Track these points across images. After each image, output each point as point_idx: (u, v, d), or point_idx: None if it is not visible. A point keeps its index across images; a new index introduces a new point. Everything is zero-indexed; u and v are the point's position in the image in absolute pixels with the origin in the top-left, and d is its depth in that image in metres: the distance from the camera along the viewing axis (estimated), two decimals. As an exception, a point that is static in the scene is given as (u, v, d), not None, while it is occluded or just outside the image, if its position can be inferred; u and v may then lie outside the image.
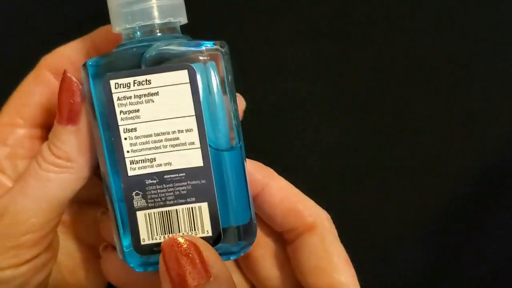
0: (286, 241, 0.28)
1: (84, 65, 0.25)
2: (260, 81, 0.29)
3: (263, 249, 0.29)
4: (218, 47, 0.25)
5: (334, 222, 0.27)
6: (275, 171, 0.28)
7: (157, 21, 0.25)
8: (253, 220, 0.27)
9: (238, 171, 0.26)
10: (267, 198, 0.27)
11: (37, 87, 0.29)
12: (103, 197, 0.27)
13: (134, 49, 0.25)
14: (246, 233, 0.26)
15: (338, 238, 0.27)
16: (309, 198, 0.28)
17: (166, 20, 0.25)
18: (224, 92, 0.25)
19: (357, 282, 0.26)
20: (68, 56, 0.29)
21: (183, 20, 0.26)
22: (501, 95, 0.37)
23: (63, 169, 0.26)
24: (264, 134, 0.28)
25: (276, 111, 0.32)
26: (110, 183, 0.26)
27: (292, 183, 0.28)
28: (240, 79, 0.27)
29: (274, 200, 0.27)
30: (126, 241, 0.26)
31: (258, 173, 0.27)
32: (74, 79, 0.26)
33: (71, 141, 0.26)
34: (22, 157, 0.29)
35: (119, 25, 0.26)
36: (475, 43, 0.37)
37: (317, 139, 0.36)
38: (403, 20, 0.37)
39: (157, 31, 0.26)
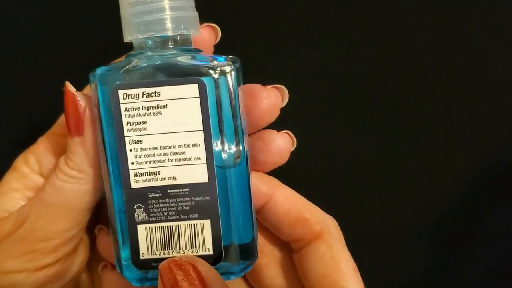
0: (293, 250, 0.28)
1: (94, 73, 0.25)
2: (260, 82, 0.28)
3: (268, 257, 0.28)
4: (229, 62, 0.24)
5: None
6: (276, 173, 0.28)
7: (170, 33, 0.25)
8: (256, 239, 0.26)
9: (243, 188, 0.25)
10: (273, 209, 0.27)
11: (16, 186, 0.29)
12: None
13: (145, 59, 0.25)
14: (247, 253, 0.26)
15: (345, 245, 0.27)
16: (315, 206, 0.28)
17: (179, 32, 0.25)
18: (233, 108, 0.25)
19: None
20: (42, 151, 0.30)
21: (196, 32, 0.25)
22: (501, 95, 0.37)
23: (76, 179, 0.27)
24: None
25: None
26: (112, 194, 0.25)
27: (293, 186, 0.28)
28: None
29: (281, 210, 0.27)
30: (125, 254, 0.26)
31: (263, 184, 0.27)
32: (74, 91, 0.26)
33: (80, 152, 0.26)
34: None
35: (130, 34, 0.25)
36: (475, 43, 0.37)
37: (317, 140, 0.36)
38: (403, 22, 0.37)
39: (169, 43, 0.25)
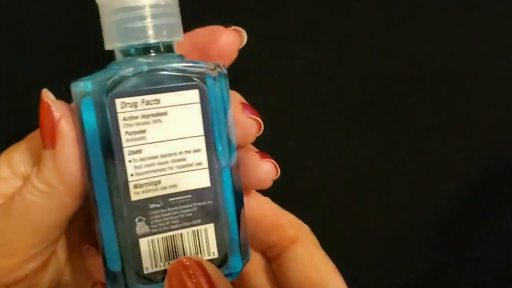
0: (270, 259, 0.29)
1: (76, 83, 0.24)
2: (260, 82, 0.29)
3: (254, 266, 0.29)
4: (216, 67, 0.25)
5: (334, 223, 0.29)
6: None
7: (152, 40, 0.24)
8: (248, 238, 0.27)
9: (237, 185, 0.26)
10: (249, 216, 0.27)
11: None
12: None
13: (131, 68, 0.24)
14: (246, 252, 0.26)
15: (320, 247, 0.28)
16: (288, 212, 0.29)
17: (161, 40, 0.25)
18: (224, 110, 0.25)
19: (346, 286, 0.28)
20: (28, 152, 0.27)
21: (179, 39, 0.25)
22: (500, 96, 0.37)
23: (44, 194, 0.24)
24: (264, 134, 0.27)
25: (276, 112, 0.32)
26: (101, 211, 0.24)
27: (292, 185, 0.29)
28: (240, 81, 0.27)
29: (256, 217, 0.28)
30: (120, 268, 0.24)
31: None
32: (49, 100, 0.25)
33: (50, 166, 0.24)
34: None
35: (112, 43, 0.25)
36: (475, 44, 0.36)
37: (316, 140, 0.35)
38: (403, 22, 0.37)
39: (151, 50, 0.25)
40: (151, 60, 0.25)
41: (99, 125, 0.23)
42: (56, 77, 0.36)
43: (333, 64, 0.37)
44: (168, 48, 0.25)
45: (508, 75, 0.36)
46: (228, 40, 0.27)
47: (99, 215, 0.24)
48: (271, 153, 0.27)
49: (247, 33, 0.27)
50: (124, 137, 0.23)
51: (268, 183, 0.27)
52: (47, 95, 0.25)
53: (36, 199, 0.25)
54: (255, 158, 0.27)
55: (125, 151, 0.24)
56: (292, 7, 0.36)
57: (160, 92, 0.24)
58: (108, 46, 0.25)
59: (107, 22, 0.25)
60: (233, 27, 0.27)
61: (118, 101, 0.23)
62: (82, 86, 0.23)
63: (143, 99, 0.24)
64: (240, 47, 0.27)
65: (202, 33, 0.27)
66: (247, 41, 0.27)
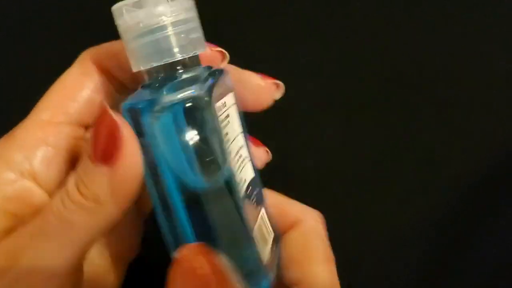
0: None
1: (133, 107, 0.23)
2: None
3: None
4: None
5: (334, 223, 0.28)
6: (275, 171, 0.30)
7: (179, 56, 0.25)
8: None
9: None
10: None
11: (86, 81, 0.26)
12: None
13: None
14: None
15: (325, 238, 0.28)
16: (298, 202, 0.29)
17: (186, 55, 0.26)
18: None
19: (337, 280, 0.27)
20: (114, 53, 0.25)
21: (202, 49, 0.26)
22: (501, 95, 0.37)
23: (89, 212, 0.22)
24: (264, 134, 0.28)
25: (276, 111, 0.30)
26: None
27: (292, 183, 0.31)
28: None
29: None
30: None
31: None
32: (115, 118, 0.22)
33: (103, 183, 0.22)
34: (64, 162, 0.25)
35: (137, 66, 0.25)
36: (475, 43, 0.37)
37: (317, 140, 0.34)
38: (404, 21, 0.36)
39: (178, 67, 0.26)
40: (177, 77, 0.25)
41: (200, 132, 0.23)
42: (56, 77, 0.33)
43: (333, 63, 0.37)
44: (194, 60, 0.26)
45: (508, 75, 0.37)
46: (264, 87, 0.28)
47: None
48: (271, 153, 0.29)
49: (247, 33, 0.29)
50: (225, 138, 0.24)
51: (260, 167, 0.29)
52: (110, 109, 0.22)
53: (78, 217, 0.22)
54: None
55: (231, 153, 0.24)
56: (292, 6, 0.36)
57: (224, 96, 0.26)
58: (134, 69, 0.25)
59: (130, 46, 0.24)
60: (273, 80, 0.28)
61: (217, 105, 0.24)
62: (142, 108, 0.23)
63: (223, 102, 0.25)
64: (276, 98, 0.29)
65: (239, 73, 0.28)
66: (247, 40, 0.29)
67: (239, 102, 0.27)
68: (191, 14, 0.26)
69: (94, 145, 0.22)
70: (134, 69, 0.25)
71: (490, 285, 0.39)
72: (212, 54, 0.28)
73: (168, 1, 0.25)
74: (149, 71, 0.25)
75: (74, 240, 0.22)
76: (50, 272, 0.22)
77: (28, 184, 0.25)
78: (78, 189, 0.22)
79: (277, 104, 0.30)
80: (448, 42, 0.37)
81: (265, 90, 0.28)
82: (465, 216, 0.39)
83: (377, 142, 0.38)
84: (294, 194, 0.30)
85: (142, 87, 0.25)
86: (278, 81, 0.28)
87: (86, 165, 0.22)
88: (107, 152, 0.22)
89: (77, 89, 0.26)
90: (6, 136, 0.25)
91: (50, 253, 0.22)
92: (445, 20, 0.36)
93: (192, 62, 0.26)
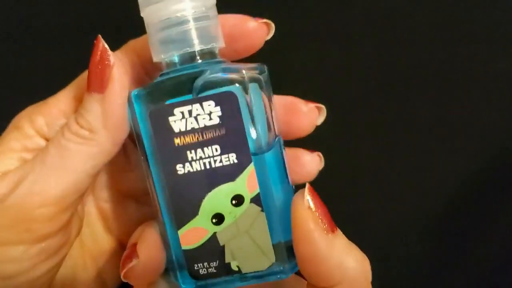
0: None
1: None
2: None
3: None
4: (252, 72, 0.27)
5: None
6: None
7: (197, 47, 0.26)
8: None
9: (280, 173, 0.27)
10: None
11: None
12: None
13: (183, 78, 0.25)
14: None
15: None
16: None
17: (205, 47, 0.26)
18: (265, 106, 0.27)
19: None
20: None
21: (221, 44, 0.27)
22: (501, 95, 0.37)
23: (84, 140, 0.25)
24: None
25: None
26: None
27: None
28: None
29: None
30: None
31: None
32: (105, 45, 0.25)
33: (96, 110, 0.25)
34: None
35: (158, 56, 0.26)
36: (475, 43, 0.36)
37: (316, 139, 0.33)
38: (403, 21, 0.36)
39: (198, 57, 0.26)
40: (197, 69, 0.26)
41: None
42: (56, 77, 0.34)
43: (333, 63, 0.37)
44: (212, 54, 0.27)
45: (508, 75, 0.37)
46: (256, 28, 0.28)
47: None
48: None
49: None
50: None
51: (313, 176, 0.31)
52: (103, 41, 0.25)
53: (74, 145, 0.25)
54: (304, 152, 0.31)
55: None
56: (292, 6, 0.36)
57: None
58: (155, 59, 0.26)
59: (152, 37, 0.26)
60: (264, 19, 0.29)
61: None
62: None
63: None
64: (267, 38, 0.29)
65: (231, 19, 0.28)
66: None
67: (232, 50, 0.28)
68: (211, 9, 0.27)
69: (89, 76, 0.25)
70: (155, 60, 0.26)
71: (491, 285, 0.40)
72: (259, 26, 0.28)
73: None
74: (169, 61, 0.26)
75: (68, 167, 0.25)
76: (44, 198, 0.24)
77: (43, 143, 0.27)
78: (76, 120, 0.25)
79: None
80: (448, 41, 0.37)
81: (257, 31, 0.28)
82: (465, 216, 0.39)
83: (376, 142, 0.38)
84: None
85: (161, 75, 0.26)
86: (268, 21, 0.29)
87: (84, 97, 0.25)
88: (99, 80, 0.25)
89: (4, 157, 0.27)
90: (42, 101, 0.28)
91: (46, 179, 0.24)
92: (446, 19, 0.36)
93: (210, 55, 0.27)
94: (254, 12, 0.34)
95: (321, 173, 0.35)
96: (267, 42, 0.29)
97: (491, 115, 0.37)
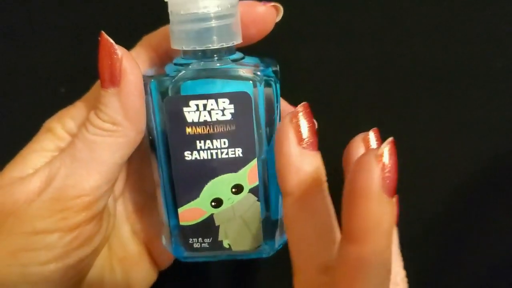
0: None
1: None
2: None
3: None
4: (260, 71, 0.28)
5: None
6: None
7: (217, 45, 0.27)
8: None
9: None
10: None
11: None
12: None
13: (201, 72, 0.27)
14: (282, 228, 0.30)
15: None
16: None
17: (226, 45, 0.27)
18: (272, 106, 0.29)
19: None
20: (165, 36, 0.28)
21: (240, 40, 0.28)
22: (500, 95, 0.37)
23: (109, 132, 0.26)
24: None
25: None
26: None
27: None
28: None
29: None
30: None
31: None
32: (110, 40, 0.26)
33: (115, 104, 0.26)
34: None
35: (178, 45, 0.27)
36: (475, 43, 0.36)
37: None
38: (403, 21, 0.36)
39: (216, 54, 0.28)
40: (212, 62, 0.28)
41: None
42: (56, 76, 0.37)
43: (333, 62, 0.37)
44: (230, 49, 0.28)
45: (508, 75, 0.37)
46: (266, 12, 0.29)
47: None
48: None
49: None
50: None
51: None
52: (106, 36, 0.26)
53: (100, 138, 0.26)
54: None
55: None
56: (292, 5, 0.35)
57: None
58: (173, 46, 0.27)
59: (175, 26, 0.27)
60: (272, 2, 0.29)
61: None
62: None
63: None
64: (276, 20, 0.29)
65: (240, 7, 0.28)
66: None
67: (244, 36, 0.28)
68: (235, 6, 0.28)
69: (101, 73, 0.26)
70: (174, 47, 0.27)
71: (490, 285, 0.40)
72: (267, 10, 0.29)
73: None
74: (187, 51, 0.27)
75: (98, 159, 0.26)
76: (78, 190, 0.26)
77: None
78: (97, 115, 0.26)
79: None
80: (449, 41, 0.37)
81: (267, 15, 0.29)
82: (465, 216, 0.39)
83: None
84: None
85: (179, 63, 0.28)
86: (277, 4, 0.29)
87: (100, 94, 0.26)
88: (112, 75, 0.26)
89: (39, 155, 0.28)
90: (70, 105, 0.29)
91: (79, 172, 0.26)
92: (446, 19, 0.36)
93: (228, 50, 0.28)
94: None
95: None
96: (266, 41, 0.30)
97: (492, 115, 0.37)
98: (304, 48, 0.37)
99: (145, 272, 0.33)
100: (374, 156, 0.20)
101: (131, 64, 0.26)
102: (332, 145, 0.36)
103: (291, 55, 0.37)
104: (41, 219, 0.25)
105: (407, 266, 0.35)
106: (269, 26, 0.29)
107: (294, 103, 0.34)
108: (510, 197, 0.38)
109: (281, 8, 0.29)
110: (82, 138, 0.26)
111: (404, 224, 0.37)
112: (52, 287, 0.26)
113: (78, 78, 0.29)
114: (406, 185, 0.37)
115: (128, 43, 0.29)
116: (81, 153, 0.26)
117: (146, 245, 0.33)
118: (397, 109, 0.38)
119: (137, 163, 0.32)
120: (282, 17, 0.34)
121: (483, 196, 0.39)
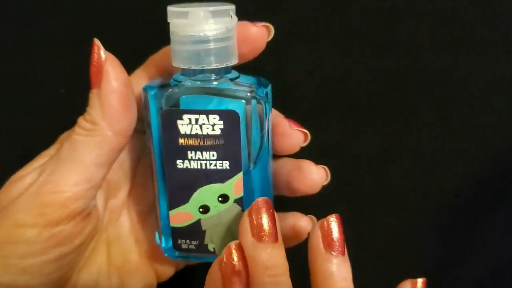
0: None
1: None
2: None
3: None
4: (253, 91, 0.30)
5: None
6: None
7: (213, 66, 0.29)
8: None
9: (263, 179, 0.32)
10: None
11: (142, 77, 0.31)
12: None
13: (195, 89, 0.29)
14: None
15: None
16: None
17: (220, 66, 0.30)
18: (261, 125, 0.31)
19: None
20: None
21: (235, 61, 0.30)
22: (501, 95, 0.37)
23: (88, 131, 0.28)
24: None
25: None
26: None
27: None
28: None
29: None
30: None
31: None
32: (98, 44, 0.28)
33: (95, 104, 0.28)
34: None
35: (177, 62, 0.29)
36: (475, 43, 0.36)
37: (316, 139, 0.34)
38: (403, 21, 0.37)
39: (213, 74, 0.30)
40: (210, 80, 0.30)
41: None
42: (56, 77, 0.37)
43: (333, 62, 0.38)
44: (226, 68, 0.30)
45: (508, 75, 0.37)
46: (258, 33, 0.30)
47: None
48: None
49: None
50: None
51: (318, 188, 0.33)
52: (98, 41, 0.28)
53: (81, 138, 0.28)
54: (310, 164, 0.33)
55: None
56: (292, 5, 0.37)
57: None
58: (175, 64, 0.30)
59: (176, 44, 0.29)
60: (263, 23, 0.31)
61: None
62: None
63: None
64: (268, 40, 0.31)
65: None
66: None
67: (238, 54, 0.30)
68: (232, 30, 0.30)
69: (90, 74, 0.28)
70: (174, 64, 0.29)
71: (490, 285, 0.40)
72: (259, 30, 0.31)
73: (212, 17, 0.29)
74: (185, 69, 0.30)
75: (77, 158, 0.28)
76: (56, 185, 0.27)
77: None
78: (83, 117, 0.28)
79: (276, 104, 0.32)
80: (449, 41, 0.37)
81: (259, 35, 0.31)
82: (465, 216, 0.39)
83: (377, 141, 0.39)
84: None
85: (177, 78, 0.30)
86: (268, 24, 0.31)
87: (89, 95, 0.28)
88: (96, 76, 0.28)
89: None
90: None
91: (60, 169, 0.28)
92: (446, 19, 0.36)
93: (224, 70, 0.30)
94: (255, 11, 0.36)
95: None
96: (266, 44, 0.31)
97: (492, 115, 0.37)
98: (304, 49, 0.37)
99: (143, 282, 0.34)
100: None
101: (114, 68, 0.28)
102: (331, 147, 0.38)
103: (291, 55, 0.37)
104: (23, 212, 0.27)
105: (407, 266, 0.39)
106: (261, 45, 0.31)
107: (294, 103, 0.37)
108: (510, 197, 0.39)
109: (272, 28, 0.31)
110: (69, 139, 0.28)
111: (404, 224, 0.40)
112: (31, 279, 0.28)
113: (78, 79, 0.30)
114: (406, 185, 0.39)
115: (128, 43, 0.31)
116: (65, 152, 0.28)
117: (148, 254, 0.35)
118: (397, 111, 0.38)
119: (142, 177, 0.34)
120: (282, 18, 0.37)
121: (483, 196, 0.39)
